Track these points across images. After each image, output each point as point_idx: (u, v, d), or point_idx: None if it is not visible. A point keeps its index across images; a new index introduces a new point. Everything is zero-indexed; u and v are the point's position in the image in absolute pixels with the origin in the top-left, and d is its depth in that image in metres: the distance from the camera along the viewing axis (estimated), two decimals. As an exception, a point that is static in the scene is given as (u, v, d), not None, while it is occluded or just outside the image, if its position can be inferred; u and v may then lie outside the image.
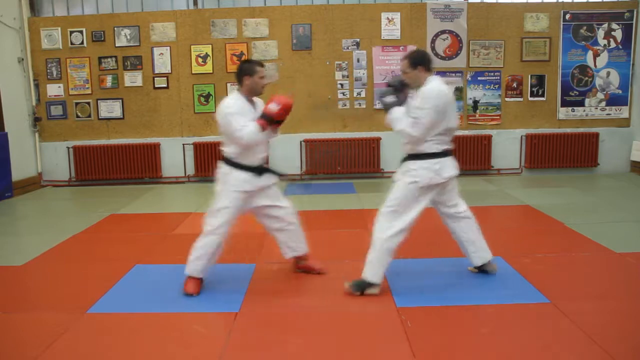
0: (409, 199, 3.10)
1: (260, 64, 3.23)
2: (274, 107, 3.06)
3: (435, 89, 3.02)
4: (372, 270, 3.15)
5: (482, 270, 3.48)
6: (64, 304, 3.19)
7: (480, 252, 3.42)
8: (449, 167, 3.16)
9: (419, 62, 3.11)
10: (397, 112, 3.12)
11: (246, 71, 3.16)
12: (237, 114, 3.10)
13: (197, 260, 3.25)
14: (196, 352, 2.57)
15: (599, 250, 4.02)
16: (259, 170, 3.26)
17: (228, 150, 3.22)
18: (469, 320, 2.86)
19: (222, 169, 3.25)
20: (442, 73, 7.63)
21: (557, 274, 3.51)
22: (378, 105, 7.63)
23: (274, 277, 3.53)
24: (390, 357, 2.49)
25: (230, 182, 3.20)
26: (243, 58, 7.51)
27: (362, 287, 3.17)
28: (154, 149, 7.72)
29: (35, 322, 2.92)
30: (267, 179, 3.31)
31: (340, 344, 2.63)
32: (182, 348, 2.60)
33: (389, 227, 3.11)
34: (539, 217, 5.18)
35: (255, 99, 3.29)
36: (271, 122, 3.10)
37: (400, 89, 3.18)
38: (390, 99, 3.16)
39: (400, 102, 3.15)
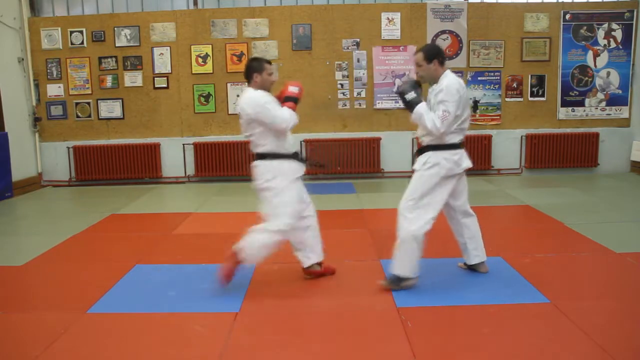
0: (429, 190, 3.14)
1: (268, 61, 3.27)
2: (294, 89, 3.21)
3: (456, 82, 3.11)
4: (403, 264, 3.18)
5: (472, 268, 3.52)
6: (64, 304, 3.19)
7: (479, 251, 3.46)
8: (466, 158, 3.25)
9: (435, 55, 3.16)
10: (422, 107, 3.13)
11: (255, 68, 3.20)
12: (272, 101, 3.15)
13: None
14: (196, 352, 2.57)
15: (599, 250, 4.02)
16: (296, 156, 3.31)
17: (266, 146, 3.18)
18: (469, 320, 2.85)
19: (268, 164, 3.20)
20: (442, 73, 7.64)
21: (557, 274, 3.51)
22: (379, 105, 7.63)
23: (274, 277, 3.53)
24: (390, 357, 2.49)
25: (285, 173, 3.19)
26: (243, 58, 7.52)
27: (397, 282, 3.21)
28: (154, 149, 7.72)
29: (35, 322, 2.92)
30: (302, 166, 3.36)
31: (341, 344, 2.63)
32: (182, 348, 2.60)
33: (413, 220, 3.13)
34: (539, 217, 5.18)
35: None
36: (296, 103, 3.21)
37: (416, 87, 3.20)
38: (411, 95, 3.16)
39: (420, 99, 3.18)
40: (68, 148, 7.73)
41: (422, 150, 3.26)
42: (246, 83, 3.28)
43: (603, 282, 3.42)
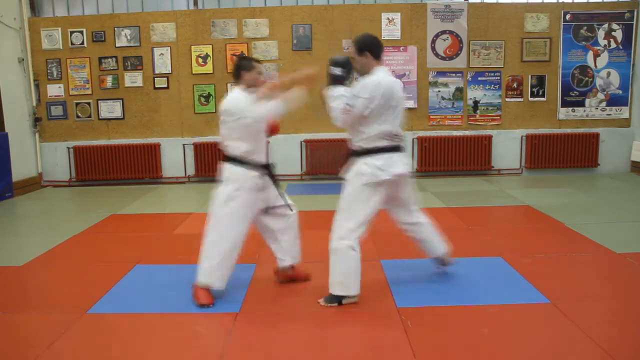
0: (356, 200, 2.97)
1: (257, 60, 3.27)
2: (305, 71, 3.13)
3: (376, 81, 2.89)
4: (340, 283, 2.99)
5: (439, 262, 3.46)
6: (64, 304, 3.18)
7: (436, 244, 3.37)
8: (396, 163, 2.98)
9: (367, 47, 2.97)
10: (338, 90, 2.96)
11: (245, 67, 3.18)
12: (253, 103, 3.05)
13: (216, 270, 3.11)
14: (196, 352, 2.57)
15: (599, 250, 4.02)
16: (267, 167, 3.24)
17: (239, 148, 3.11)
18: (469, 320, 2.85)
19: (230, 168, 3.14)
20: (442, 73, 7.65)
21: (557, 274, 3.51)
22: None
23: (274, 277, 3.53)
24: (390, 357, 2.49)
25: (241, 180, 3.10)
26: (243, 58, 7.52)
27: (337, 301, 3.04)
28: (154, 149, 7.72)
29: (35, 322, 2.92)
30: (270, 177, 3.28)
31: (341, 344, 2.63)
32: (182, 348, 2.60)
33: (341, 234, 2.97)
34: (539, 217, 5.18)
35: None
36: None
37: (348, 66, 3.00)
38: (338, 71, 2.97)
39: (346, 78, 3.00)
40: (68, 148, 7.73)
41: (351, 155, 3.07)
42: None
43: (603, 282, 3.42)
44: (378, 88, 2.88)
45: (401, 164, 3.02)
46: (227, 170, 3.16)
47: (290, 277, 3.44)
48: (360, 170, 2.97)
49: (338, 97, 2.95)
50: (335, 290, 3.02)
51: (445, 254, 3.44)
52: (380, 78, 2.93)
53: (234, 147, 3.12)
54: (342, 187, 3.08)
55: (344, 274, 2.98)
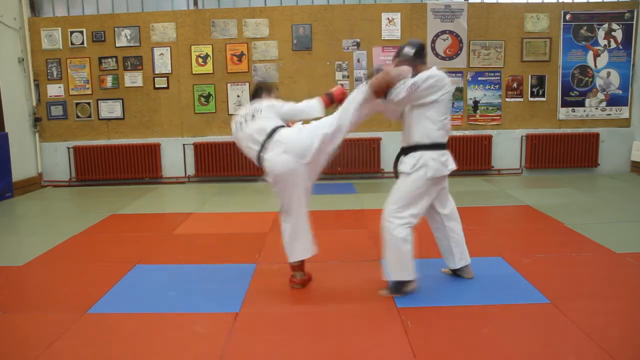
0: (417, 194, 3.06)
1: (277, 87, 3.71)
2: (336, 90, 3.52)
3: (435, 71, 3.09)
4: (400, 269, 3.08)
5: (457, 273, 3.43)
6: (64, 304, 3.18)
7: (464, 254, 3.39)
8: (451, 160, 3.17)
9: (416, 55, 3.22)
10: (408, 68, 3.19)
11: (265, 90, 3.50)
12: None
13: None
14: (196, 352, 2.57)
15: (599, 250, 4.02)
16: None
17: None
18: (469, 320, 2.85)
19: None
20: (442, 73, 7.64)
21: (557, 274, 3.51)
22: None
23: (274, 277, 3.52)
24: (390, 357, 2.49)
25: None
26: (243, 58, 7.53)
27: (399, 288, 3.12)
28: (154, 149, 7.72)
29: (35, 322, 2.92)
30: None
31: (341, 344, 2.63)
32: (182, 348, 2.60)
33: (399, 224, 3.04)
34: (539, 217, 5.18)
35: None
36: (332, 101, 3.51)
37: (419, 48, 3.26)
38: (411, 50, 3.28)
39: (416, 60, 3.23)
40: (68, 148, 7.73)
41: (407, 150, 3.15)
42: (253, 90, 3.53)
43: (603, 282, 3.42)
44: (441, 79, 3.04)
45: (452, 160, 3.19)
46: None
47: (306, 280, 3.39)
48: (425, 164, 3.04)
49: (406, 77, 3.08)
50: (404, 276, 3.09)
51: (467, 267, 3.42)
52: (433, 71, 3.09)
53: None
54: (399, 181, 3.13)
55: (405, 260, 3.06)
